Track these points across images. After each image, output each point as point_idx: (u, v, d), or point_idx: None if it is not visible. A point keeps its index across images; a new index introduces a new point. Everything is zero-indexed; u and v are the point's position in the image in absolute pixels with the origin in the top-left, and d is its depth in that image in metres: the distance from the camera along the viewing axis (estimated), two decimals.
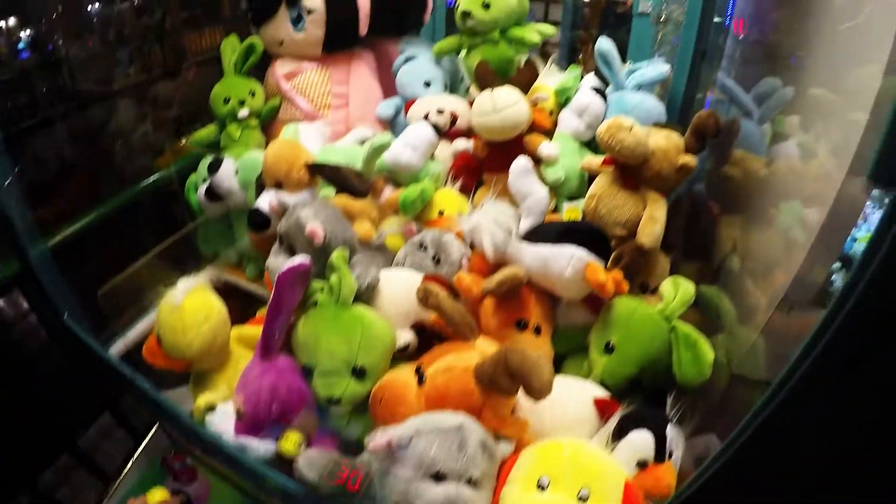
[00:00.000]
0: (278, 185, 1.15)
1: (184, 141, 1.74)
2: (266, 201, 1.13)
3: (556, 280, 1.02)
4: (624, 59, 1.57)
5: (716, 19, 1.49)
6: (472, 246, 1.12)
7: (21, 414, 1.42)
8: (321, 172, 1.13)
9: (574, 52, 2.25)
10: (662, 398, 0.96)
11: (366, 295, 1.03)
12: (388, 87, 1.67)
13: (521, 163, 1.09)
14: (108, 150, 1.74)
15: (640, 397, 0.97)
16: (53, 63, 1.71)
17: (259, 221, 1.14)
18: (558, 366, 1.12)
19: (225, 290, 1.47)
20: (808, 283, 1.37)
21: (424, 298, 0.96)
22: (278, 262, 1.05)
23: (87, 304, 1.38)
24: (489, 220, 1.06)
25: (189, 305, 0.97)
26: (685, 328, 0.97)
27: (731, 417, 1.03)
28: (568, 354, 1.13)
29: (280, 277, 0.93)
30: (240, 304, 1.46)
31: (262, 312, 1.25)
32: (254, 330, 1.13)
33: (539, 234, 1.05)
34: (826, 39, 1.20)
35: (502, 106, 1.28)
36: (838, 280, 1.50)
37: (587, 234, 1.04)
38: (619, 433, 0.87)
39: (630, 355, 1.00)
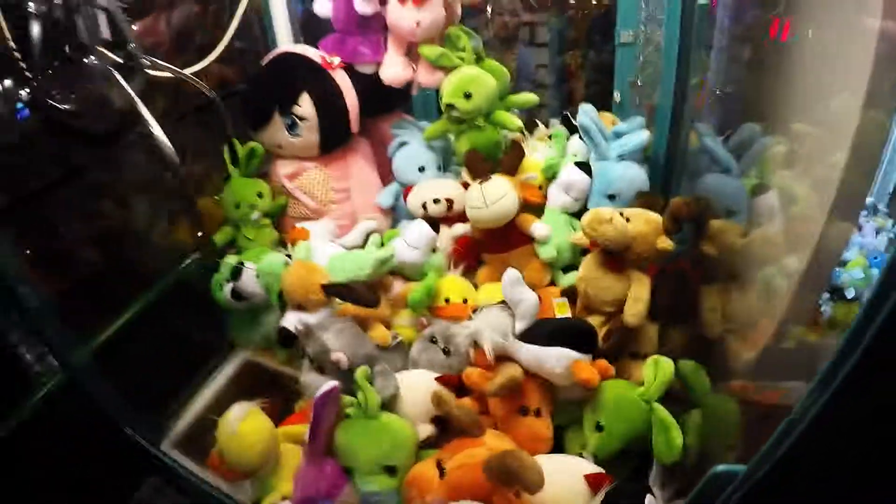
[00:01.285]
0: (300, 307, 1.48)
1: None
2: (291, 322, 1.47)
3: (549, 375, 1.35)
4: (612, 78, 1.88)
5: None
6: (475, 344, 1.45)
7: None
8: (335, 293, 1.47)
9: (563, 75, 2.54)
10: (649, 465, 1.29)
11: (389, 403, 1.37)
12: (385, 164, 1.98)
13: (510, 275, 1.40)
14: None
15: (627, 470, 1.31)
16: None
17: (287, 341, 1.48)
18: (560, 436, 1.45)
19: (258, 371, 1.85)
20: (801, 314, 1.69)
21: (437, 405, 1.31)
22: (311, 380, 1.41)
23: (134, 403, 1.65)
24: (487, 326, 1.38)
25: (244, 431, 1.32)
26: (660, 413, 1.28)
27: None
28: (569, 426, 1.46)
29: (316, 402, 1.28)
30: (272, 382, 1.83)
31: (300, 405, 1.60)
32: (297, 428, 1.47)
33: (532, 334, 1.37)
34: (804, 69, 1.46)
35: (492, 200, 1.59)
36: (828, 310, 1.82)
37: (574, 333, 1.35)
38: None
39: (617, 434, 1.32)
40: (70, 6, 1.25)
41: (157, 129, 1.40)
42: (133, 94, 1.15)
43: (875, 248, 2.10)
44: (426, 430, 1.40)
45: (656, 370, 1.32)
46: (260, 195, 1.88)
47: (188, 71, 1.68)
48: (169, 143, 1.49)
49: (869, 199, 2.25)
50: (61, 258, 1.80)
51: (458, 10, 1.84)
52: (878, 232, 2.15)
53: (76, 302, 1.71)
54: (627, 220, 1.48)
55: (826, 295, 1.88)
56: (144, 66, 1.44)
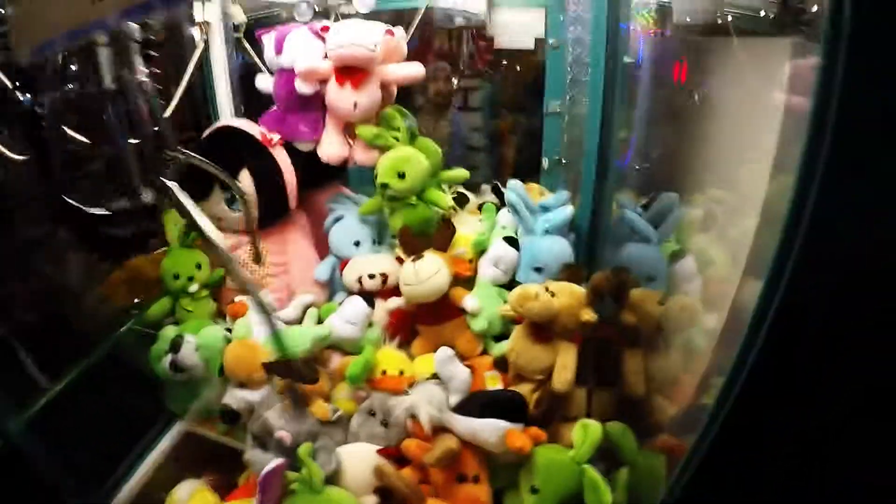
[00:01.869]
0: (242, 385, 1.61)
1: None
2: (234, 399, 1.60)
3: (485, 444, 1.51)
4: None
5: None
6: (412, 417, 1.60)
7: None
8: (276, 372, 1.61)
9: (496, 139, 2.80)
10: None
11: (332, 476, 1.51)
12: (322, 237, 2.14)
13: (442, 353, 1.57)
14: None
15: None
16: None
17: (230, 419, 1.60)
18: (499, 499, 1.60)
19: (198, 442, 1.93)
20: (722, 367, 1.90)
21: (380, 477, 1.46)
22: (255, 456, 1.53)
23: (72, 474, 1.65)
24: (423, 400, 1.55)
25: None
26: (590, 473, 1.45)
27: None
28: (506, 488, 1.62)
29: (263, 479, 1.40)
30: (213, 453, 1.92)
31: (244, 477, 1.71)
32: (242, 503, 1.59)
33: (466, 407, 1.54)
34: (718, 138, 1.68)
35: (425, 277, 1.76)
36: None
37: (505, 404, 1.53)
38: None
39: (551, 496, 1.48)
40: None
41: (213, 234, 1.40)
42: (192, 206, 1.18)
43: None
44: (370, 501, 1.53)
45: (585, 434, 1.49)
46: (199, 266, 2.00)
47: None
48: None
49: None
50: None
51: (394, 91, 2.03)
52: None
53: (10, 366, 1.74)
54: (553, 294, 1.67)
55: None
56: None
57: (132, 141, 1.74)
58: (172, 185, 1.00)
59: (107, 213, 1.10)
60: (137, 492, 1.84)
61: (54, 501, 1.60)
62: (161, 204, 1.91)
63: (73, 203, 1.12)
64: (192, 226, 1.03)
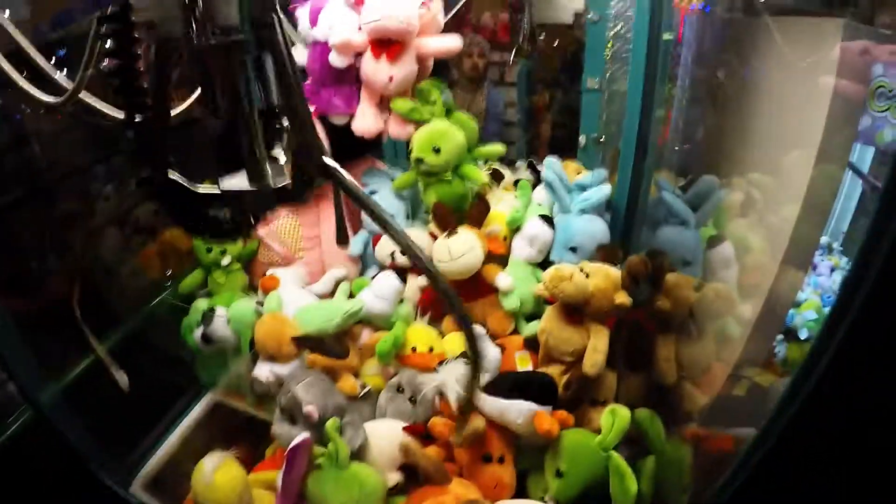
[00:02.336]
0: (271, 358, 1.61)
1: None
2: (263, 373, 1.60)
3: (512, 425, 1.49)
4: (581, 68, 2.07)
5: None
6: (440, 395, 1.59)
7: None
8: (306, 346, 1.60)
9: (531, 115, 2.73)
10: None
11: (358, 452, 1.50)
12: (355, 211, 2.11)
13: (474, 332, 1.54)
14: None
15: None
16: None
17: (260, 392, 1.60)
18: (522, 480, 1.59)
19: (227, 413, 1.95)
20: (755, 357, 1.86)
21: (405, 454, 1.45)
22: (283, 430, 1.53)
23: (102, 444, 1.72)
24: (452, 378, 1.53)
25: (219, 481, 1.43)
26: (617, 460, 1.43)
27: None
28: (530, 471, 1.60)
29: (289, 453, 1.40)
30: (242, 425, 1.95)
31: (271, 449, 1.74)
32: (269, 475, 1.58)
33: (495, 387, 1.52)
34: (761, 122, 1.62)
35: (458, 254, 1.74)
36: (782, 351, 1.99)
37: (535, 386, 1.50)
38: None
39: (576, 480, 1.46)
40: None
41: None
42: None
43: (830, 287, 2.27)
44: (394, 478, 1.53)
45: (613, 419, 1.47)
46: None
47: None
48: None
49: (824, 239, 2.43)
50: (28, 290, 1.90)
51: (430, 65, 1.99)
52: (832, 270, 2.33)
53: (43, 338, 1.74)
54: (587, 275, 1.63)
55: (780, 336, 2.05)
56: None
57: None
58: (333, 163, 0.96)
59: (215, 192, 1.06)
60: (166, 461, 1.88)
61: (84, 471, 1.65)
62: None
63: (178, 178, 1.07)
64: (359, 204, 0.99)
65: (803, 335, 2.08)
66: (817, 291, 2.24)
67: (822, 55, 1.34)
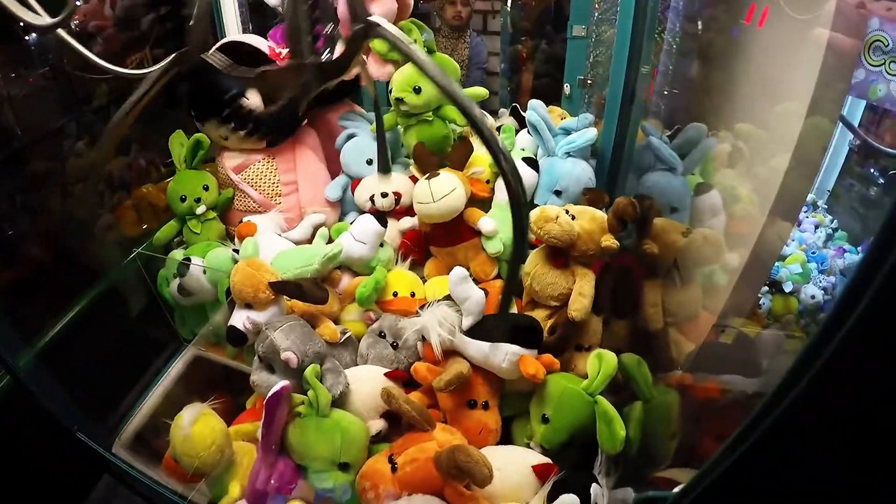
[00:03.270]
0: (248, 306, 1.54)
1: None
2: (240, 320, 1.53)
3: (497, 369, 1.44)
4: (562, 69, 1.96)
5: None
6: (423, 338, 1.53)
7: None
8: (284, 291, 1.53)
9: (515, 65, 2.63)
10: (594, 454, 1.40)
11: (339, 399, 1.44)
12: (333, 156, 2.04)
13: (456, 272, 1.47)
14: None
15: (572, 462, 1.41)
16: None
17: (237, 340, 1.53)
18: (507, 426, 1.54)
19: (207, 366, 1.89)
20: (741, 307, 1.82)
21: (387, 400, 1.39)
22: (261, 378, 1.47)
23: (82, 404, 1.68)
24: (434, 321, 1.47)
25: (197, 434, 1.37)
26: (604, 405, 1.38)
27: (648, 467, 1.50)
28: (515, 417, 1.56)
29: (268, 402, 1.34)
30: (222, 377, 1.89)
31: (251, 400, 1.68)
32: (249, 426, 1.54)
33: (479, 330, 1.46)
34: (752, 72, 1.57)
35: (440, 196, 1.67)
36: (766, 303, 1.96)
37: (520, 329, 1.44)
38: (551, 497, 1.31)
39: (562, 425, 1.42)
40: None
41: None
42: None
43: (813, 243, 2.26)
44: (377, 425, 1.48)
45: (600, 364, 1.42)
46: (206, 188, 1.92)
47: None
48: None
49: (809, 196, 2.41)
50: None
51: (410, 3, 1.90)
52: (816, 227, 2.32)
53: (16, 301, 1.74)
54: (573, 217, 1.57)
55: (765, 288, 2.03)
56: None
57: None
58: (378, 18, 0.89)
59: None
60: (149, 416, 1.83)
61: (64, 432, 1.61)
62: None
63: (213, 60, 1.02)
64: (408, 57, 0.90)
65: (788, 288, 2.06)
66: (802, 247, 2.23)
67: (818, 7, 1.28)
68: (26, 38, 1.86)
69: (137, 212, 2.11)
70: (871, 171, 2.32)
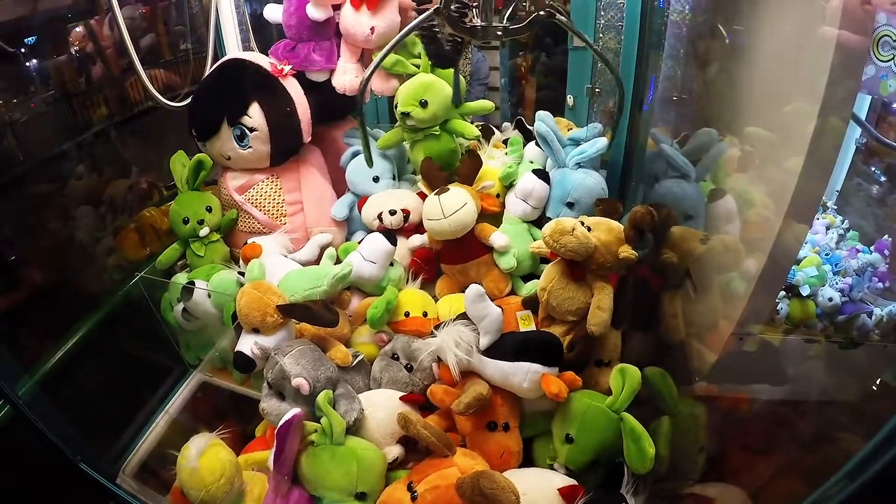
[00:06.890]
0: (255, 330, 1.44)
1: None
2: (247, 345, 1.43)
3: (517, 389, 1.34)
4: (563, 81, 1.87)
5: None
6: (438, 359, 1.43)
7: None
8: (293, 314, 1.43)
9: (515, 81, 2.55)
10: (620, 473, 1.30)
11: (354, 426, 1.34)
12: (339, 174, 1.95)
13: (473, 290, 1.38)
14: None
15: (597, 482, 1.32)
16: None
17: (244, 366, 1.43)
18: (528, 448, 1.45)
19: (214, 392, 1.79)
20: (759, 313, 1.73)
21: (404, 426, 1.29)
22: (271, 406, 1.37)
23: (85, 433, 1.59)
24: (451, 342, 1.37)
25: (205, 466, 1.27)
26: (630, 423, 1.29)
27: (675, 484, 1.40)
28: (537, 437, 1.46)
29: (279, 431, 1.24)
30: (229, 403, 1.79)
31: (261, 428, 1.59)
32: (260, 455, 1.44)
33: (498, 350, 1.36)
34: (760, 74, 1.49)
35: (450, 211, 1.58)
36: (784, 308, 1.87)
37: (540, 347, 1.35)
38: None
39: (587, 445, 1.33)
40: None
41: None
42: None
43: (826, 244, 2.17)
44: (394, 451, 1.38)
45: (623, 379, 1.33)
46: (209, 209, 1.83)
47: None
48: None
49: None
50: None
51: (413, 16, 1.81)
52: (827, 229, 2.23)
53: (17, 327, 1.65)
54: (589, 228, 1.48)
55: (781, 293, 1.93)
56: None
57: None
58: None
59: None
60: (154, 445, 1.74)
61: (68, 463, 1.51)
62: None
63: None
64: None
65: (805, 292, 1.97)
66: (815, 249, 2.14)
67: (824, 4, 1.22)
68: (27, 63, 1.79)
69: (140, 235, 2.01)
70: (873, 169, 2.24)
